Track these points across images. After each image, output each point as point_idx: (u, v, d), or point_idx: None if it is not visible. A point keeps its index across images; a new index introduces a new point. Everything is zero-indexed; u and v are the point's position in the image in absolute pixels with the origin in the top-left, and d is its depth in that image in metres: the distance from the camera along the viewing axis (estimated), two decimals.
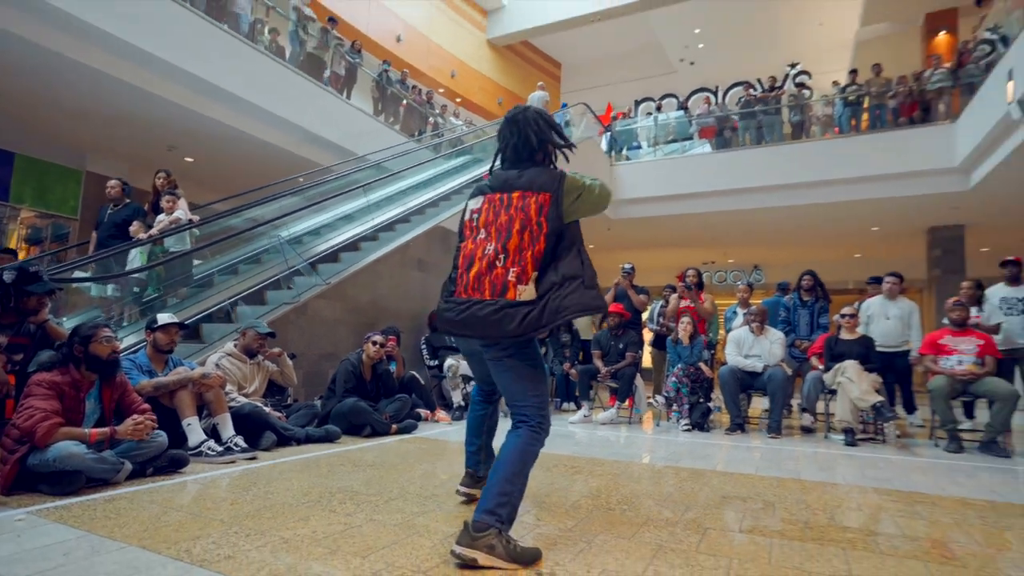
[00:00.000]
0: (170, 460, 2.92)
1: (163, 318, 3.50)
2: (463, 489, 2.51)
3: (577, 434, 4.96)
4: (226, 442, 3.38)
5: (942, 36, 12.47)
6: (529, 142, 2.07)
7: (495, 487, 1.84)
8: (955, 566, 1.90)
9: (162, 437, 2.87)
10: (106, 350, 2.74)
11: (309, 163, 8.92)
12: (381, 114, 10.92)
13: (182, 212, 5.58)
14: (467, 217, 2.09)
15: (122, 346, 3.88)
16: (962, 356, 4.56)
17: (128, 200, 5.85)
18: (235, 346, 4.21)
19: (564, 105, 12.36)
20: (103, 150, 8.75)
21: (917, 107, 9.96)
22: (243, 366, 4.17)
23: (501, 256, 1.93)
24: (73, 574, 1.63)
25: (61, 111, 7.40)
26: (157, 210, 5.75)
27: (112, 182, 5.81)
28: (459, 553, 1.72)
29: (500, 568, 1.71)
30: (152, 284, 5.31)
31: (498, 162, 2.20)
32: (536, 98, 12.86)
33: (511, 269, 1.91)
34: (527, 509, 2.45)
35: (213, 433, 3.46)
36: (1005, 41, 7.64)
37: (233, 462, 3.24)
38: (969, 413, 5.85)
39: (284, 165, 8.86)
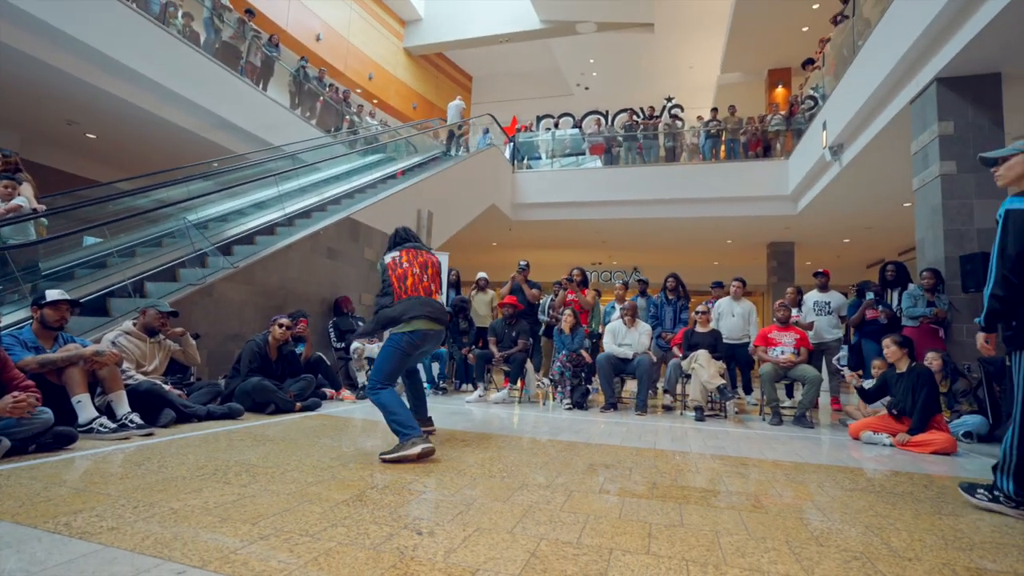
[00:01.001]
0: (55, 436, 2.61)
1: (52, 294, 3.12)
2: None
3: (473, 412, 5.01)
4: (120, 419, 3.08)
5: (780, 89, 13.86)
6: (418, 239, 3.39)
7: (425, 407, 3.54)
8: (761, 513, 2.14)
9: (47, 414, 2.56)
10: None
11: (222, 149, 8.28)
12: (298, 108, 10.34)
13: (24, 200, 4.52)
14: (390, 260, 3.13)
15: (8, 320, 3.43)
16: (784, 347, 5.10)
17: None
18: (134, 324, 3.84)
19: (486, 131, 12.43)
20: None
21: (760, 144, 10.99)
22: (142, 344, 3.81)
23: (424, 276, 3.14)
24: None
25: None
26: None
27: None
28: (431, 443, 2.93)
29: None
30: None
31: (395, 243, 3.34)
32: (454, 107, 12.80)
33: (431, 285, 3.16)
34: (417, 478, 2.45)
35: (108, 411, 3.14)
36: (824, 98, 8.62)
37: (127, 439, 2.96)
38: (790, 393, 6.57)
39: (196, 149, 8.16)
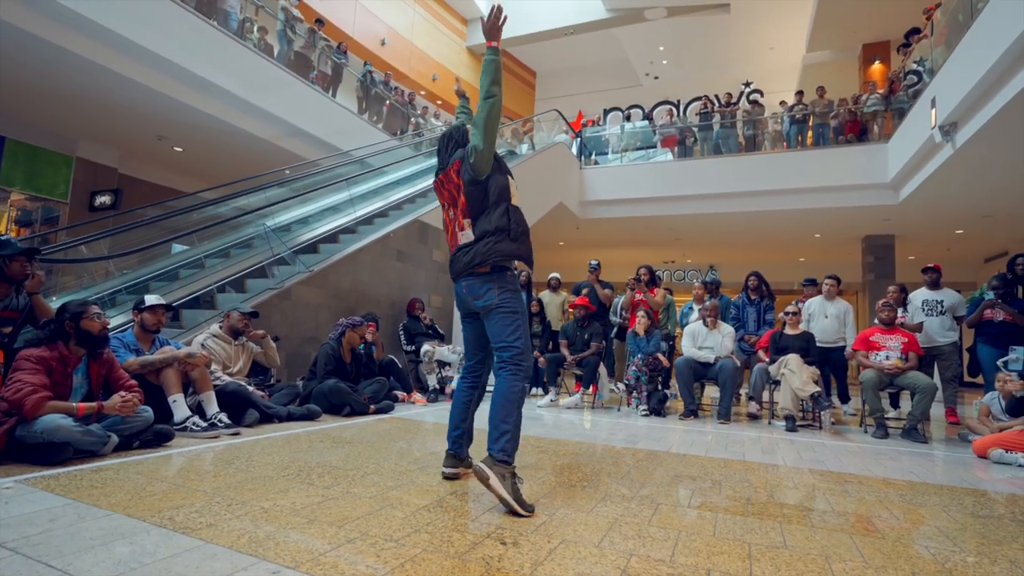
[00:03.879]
0: (156, 434, 2.84)
1: (150, 299, 3.39)
2: (448, 471, 2.51)
3: (544, 417, 4.99)
4: (210, 418, 3.31)
5: (876, 65, 12.86)
6: (456, 141, 2.46)
7: (494, 429, 2.13)
8: (876, 537, 1.98)
9: (148, 412, 2.79)
10: (97, 326, 2.65)
11: (295, 156, 8.74)
12: (365, 113, 10.75)
13: None
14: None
15: (110, 325, 3.76)
16: (889, 352, 4.72)
17: None
18: (220, 327, 4.11)
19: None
20: (94, 137, 8.41)
21: (857, 127, 10.24)
22: (228, 347, 4.07)
23: (455, 218, 2.34)
24: (59, 539, 1.58)
25: (52, 98, 7.08)
26: None
27: None
28: (478, 466, 2.02)
29: (502, 497, 1.98)
30: None
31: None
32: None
33: (458, 223, 2.32)
34: None
35: (198, 410, 3.38)
36: (931, 72, 7.90)
37: (217, 437, 3.17)
38: (895, 403, 6.08)
39: (270, 157, 8.67)
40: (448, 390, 5.80)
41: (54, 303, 3.49)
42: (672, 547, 1.77)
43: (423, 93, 15.07)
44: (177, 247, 5.97)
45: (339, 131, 9.35)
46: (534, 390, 6.91)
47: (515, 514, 1.99)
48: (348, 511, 1.96)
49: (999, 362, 4.64)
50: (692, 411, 5.22)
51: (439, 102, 15.78)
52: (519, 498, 2.00)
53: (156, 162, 9.38)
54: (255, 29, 8.69)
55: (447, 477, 2.50)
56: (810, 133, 10.89)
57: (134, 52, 6.40)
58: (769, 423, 5.16)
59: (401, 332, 6.39)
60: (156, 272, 5.67)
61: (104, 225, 6.06)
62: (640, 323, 5.66)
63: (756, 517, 2.16)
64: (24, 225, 8.16)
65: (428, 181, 9.02)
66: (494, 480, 1.98)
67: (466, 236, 2.26)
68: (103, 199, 8.38)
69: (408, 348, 6.30)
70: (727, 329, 5.48)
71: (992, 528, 2.16)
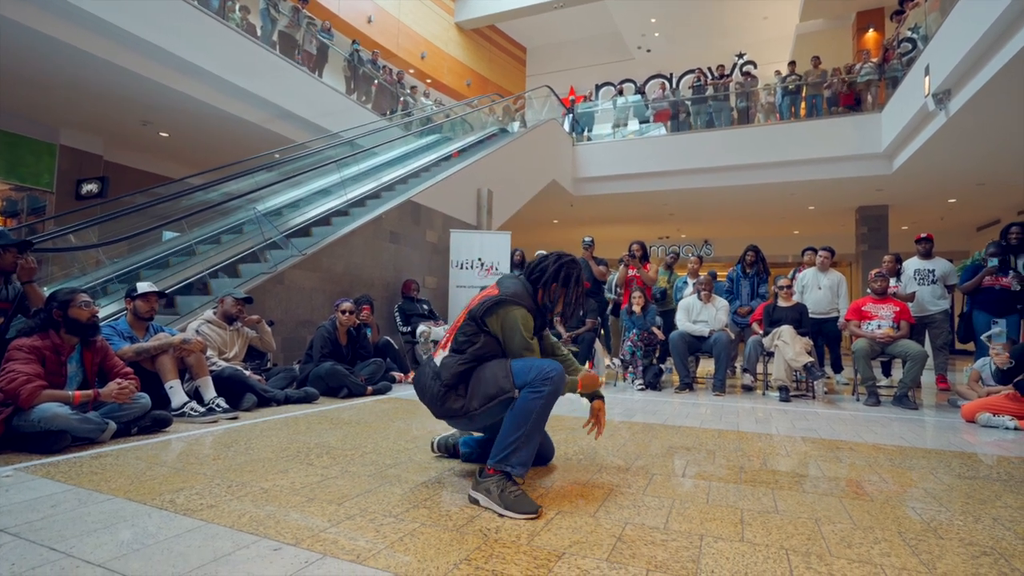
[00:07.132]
0: (154, 420, 2.86)
1: (143, 287, 3.38)
2: (438, 452, 2.56)
3: None
4: (208, 403, 3.33)
5: (870, 33, 12.73)
6: (534, 268, 2.18)
7: (499, 443, 1.91)
8: (864, 500, 2.03)
9: (145, 399, 2.80)
10: (85, 314, 2.65)
11: (283, 139, 8.64)
12: (353, 93, 10.59)
13: None
14: None
15: (102, 313, 3.76)
16: (881, 321, 4.77)
17: None
18: (214, 313, 4.11)
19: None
20: (77, 124, 8.27)
21: (851, 97, 10.17)
22: (223, 332, 4.08)
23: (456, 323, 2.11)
24: (61, 524, 1.60)
25: (30, 84, 6.93)
26: None
27: None
28: (470, 493, 1.89)
29: (494, 511, 1.78)
30: None
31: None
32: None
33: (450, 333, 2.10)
34: None
35: (196, 395, 3.39)
36: (924, 40, 7.84)
37: (215, 422, 3.20)
38: (886, 372, 6.16)
39: (258, 140, 8.56)
40: None
41: (44, 293, 3.49)
42: (666, 515, 1.81)
43: (412, 71, 14.86)
44: (167, 234, 5.93)
45: (327, 112, 9.23)
46: None
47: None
48: (347, 489, 1.99)
49: (983, 337, 4.64)
50: (687, 384, 5.27)
51: (428, 80, 15.55)
52: (508, 503, 1.78)
53: (142, 148, 9.25)
54: (237, 8, 8.51)
55: (436, 454, 2.57)
56: (803, 104, 10.82)
57: (113, 34, 6.27)
58: (763, 394, 5.22)
59: (397, 313, 6.40)
60: (147, 260, 5.64)
61: (91, 213, 6.00)
62: (635, 303, 5.67)
63: (749, 484, 2.20)
64: (10, 215, 8.07)
65: (420, 161, 8.95)
66: (483, 500, 1.83)
67: (438, 357, 2.06)
68: (90, 187, 8.28)
69: (404, 329, 6.32)
70: (721, 303, 5.51)
71: (977, 488, 2.22)
